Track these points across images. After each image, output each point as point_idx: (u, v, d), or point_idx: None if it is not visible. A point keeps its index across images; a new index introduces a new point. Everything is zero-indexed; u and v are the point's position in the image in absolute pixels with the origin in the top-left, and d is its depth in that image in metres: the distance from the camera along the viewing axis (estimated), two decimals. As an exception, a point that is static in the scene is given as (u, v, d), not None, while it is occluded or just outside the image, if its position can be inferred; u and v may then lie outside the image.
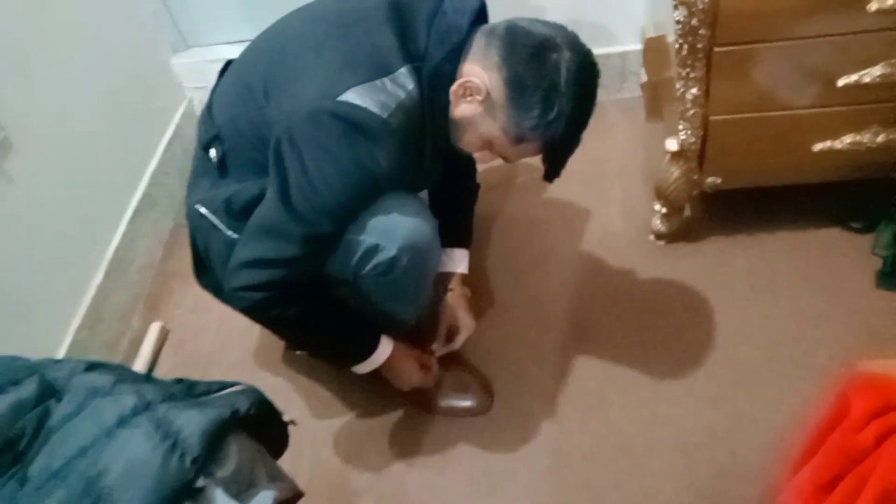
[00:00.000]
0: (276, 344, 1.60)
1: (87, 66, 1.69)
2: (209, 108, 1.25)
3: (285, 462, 0.92)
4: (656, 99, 1.82)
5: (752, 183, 1.51)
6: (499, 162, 1.18)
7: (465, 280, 1.43)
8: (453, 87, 1.07)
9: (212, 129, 1.21)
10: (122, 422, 0.74)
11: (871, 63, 1.23)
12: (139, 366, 1.61)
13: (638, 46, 1.88)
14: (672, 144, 1.42)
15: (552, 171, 1.13)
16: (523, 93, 1.03)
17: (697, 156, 1.44)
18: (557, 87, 1.02)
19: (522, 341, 1.53)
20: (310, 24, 1.16)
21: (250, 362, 1.61)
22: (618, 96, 2.00)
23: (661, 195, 1.53)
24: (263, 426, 0.88)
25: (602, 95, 1.11)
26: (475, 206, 1.51)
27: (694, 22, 1.21)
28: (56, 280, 1.53)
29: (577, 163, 1.14)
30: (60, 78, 1.60)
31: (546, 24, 1.06)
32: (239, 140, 1.18)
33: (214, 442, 0.76)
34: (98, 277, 1.64)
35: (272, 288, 1.12)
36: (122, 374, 0.83)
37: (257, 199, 1.13)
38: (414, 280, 1.21)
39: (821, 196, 1.57)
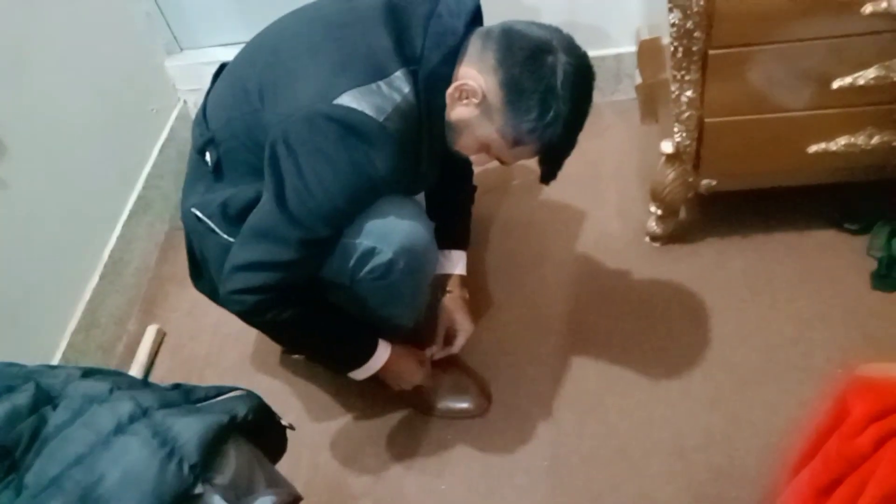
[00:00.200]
0: (273, 347, 1.60)
1: (80, 68, 1.68)
2: (203, 111, 1.24)
3: (283, 466, 0.91)
4: (651, 101, 1.82)
5: (747, 185, 1.51)
6: (495, 164, 1.18)
7: (463, 282, 1.42)
8: (449, 90, 1.07)
9: (206, 132, 1.20)
10: (120, 429, 0.74)
11: (865, 65, 1.23)
12: (135, 369, 1.61)
13: (633, 48, 1.88)
14: (667, 147, 1.42)
15: (548, 173, 1.13)
16: (520, 96, 1.03)
17: (693, 158, 1.44)
18: (554, 90, 1.02)
19: (519, 343, 1.53)
20: (305, 27, 1.16)
21: (247, 365, 1.61)
22: (613, 98, 2.00)
23: (656, 197, 1.53)
24: (261, 431, 0.87)
25: (597, 97, 1.11)
26: (472, 209, 1.50)
27: (689, 24, 1.21)
28: (51, 284, 1.52)
29: (572, 165, 1.13)
30: (54, 81, 1.59)
31: (542, 26, 1.06)
32: (234, 143, 1.17)
33: (212, 448, 0.76)
34: (93, 281, 1.63)
35: (268, 291, 1.11)
36: (119, 380, 0.83)
37: (253, 203, 1.13)
38: (411, 283, 1.21)
39: (816, 198, 1.57)
